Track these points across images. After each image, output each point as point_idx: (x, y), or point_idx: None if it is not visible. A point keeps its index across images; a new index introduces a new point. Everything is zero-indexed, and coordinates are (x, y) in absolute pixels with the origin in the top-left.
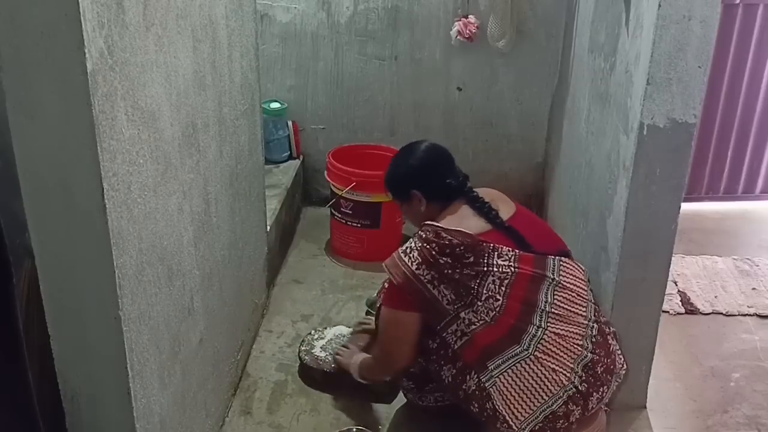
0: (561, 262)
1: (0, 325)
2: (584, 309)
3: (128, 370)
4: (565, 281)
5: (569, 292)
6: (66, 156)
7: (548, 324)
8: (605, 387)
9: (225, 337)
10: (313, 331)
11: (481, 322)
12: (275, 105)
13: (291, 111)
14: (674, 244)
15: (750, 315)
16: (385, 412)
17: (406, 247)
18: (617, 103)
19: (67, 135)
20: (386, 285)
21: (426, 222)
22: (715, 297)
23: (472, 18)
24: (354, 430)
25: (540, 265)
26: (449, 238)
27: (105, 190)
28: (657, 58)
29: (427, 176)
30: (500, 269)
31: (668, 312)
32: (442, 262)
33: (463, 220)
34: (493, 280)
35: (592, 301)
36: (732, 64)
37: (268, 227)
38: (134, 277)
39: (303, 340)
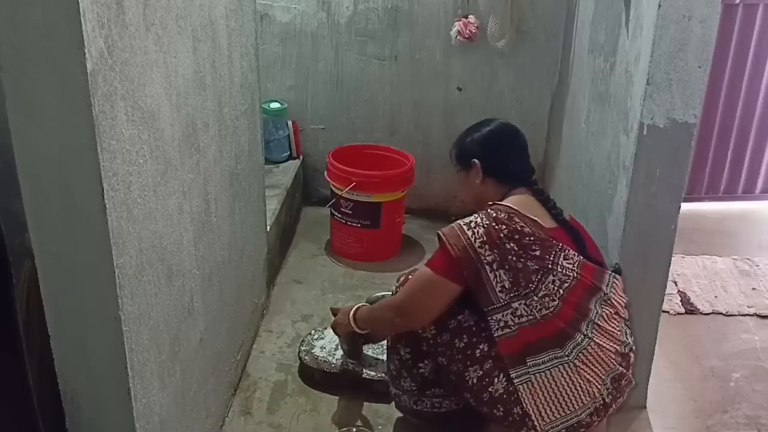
0: (614, 279)
1: (0, 325)
2: (621, 328)
3: (128, 370)
4: (613, 298)
5: (613, 309)
6: (66, 156)
7: (593, 335)
8: (621, 398)
9: (225, 337)
10: (313, 331)
11: (531, 317)
12: (275, 105)
13: (291, 111)
14: (674, 244)
15: (750, 315)
16: (385, 412)
17: (471, 221)
18: (617, 103)
19: (67, 135)
20: (437, 250)
21: (498, 202)
22: (715, 297)
23: (472, 18)
24: (354, 430)
25: (599, 277)
26: (522, 224)
27: (105, 190)
28: (657, 58)
29: (493, 150)
30: (564, 271)
31: (668, 312)
32: (508, 247)
33: (531, 210)
34: (553, 280)
35: (627, 319)
36: (732, 64)
37: (268, 227)
38: (134, 277)
39: (303, 340)
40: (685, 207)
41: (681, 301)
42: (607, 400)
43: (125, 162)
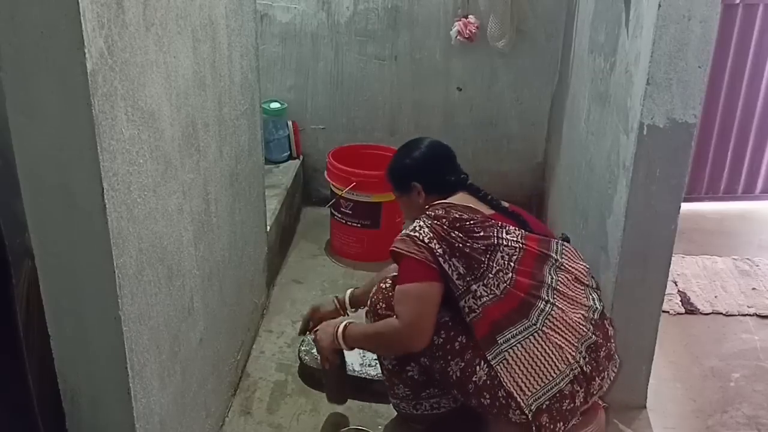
0: (563, 246)
1: (0, 325)
2: (584, 293)
3: (128, 370)
4: (566, 264)
5: (570, 275)
6: (66, 156)
7: (555, 300)
8: (605, 373)
9: (225, 337)
10: (313, 331)
11: (491, 295)
12: (275, 105)
13: (291, 111)
14: (674, 244)
15: (750, 315)
16: (385, 412)
17: (413, 227)
18: (617, 103)
19: (67, 135)
20: (399, 268)
21: (434, 202)
22: (715, 297)
23: (472, 18)
24: (354, 430)
25: (544, 245)
26: (459, 212)
27: (105, 190)
28: (657, 58)
29: (428, 169)
30: (509, 244)
31: (668, 312)
32: (453, 235)
33: (468, 202)
34: (502, 255)
35: (592, 286)
36: (732, 64)
37: (268, 227)
38: (134, 277)
39: (303, 340)
40: (685, 207)
41: (681, 301)
42: (585, 369)
43: (125, 162)
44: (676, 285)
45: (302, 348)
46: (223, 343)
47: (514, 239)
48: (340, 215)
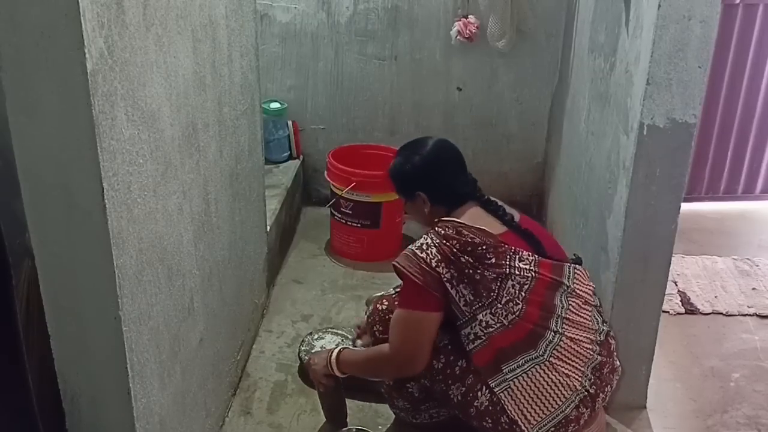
0: (575, 270)
1: (0, 325)
2: (590, 316)
3: (128, 370)
4: (578, 289)
5: (580, 299)
6: (66, 156)
7: (564, 330)
8: (608, 387)
9: (225, 337)
10: (312, 332)
11: (498, 324)
12: (275, 105)
13: (291, 111)
14: (674, 244)
15: (750, 315)
16: (385, 412)
17: (422, 243)
18: (617, 103)
19: (67, 135)
20: (401, 285)
21: (443, 218)
22: (715, 297)
23: (472, 18)
24: (354, 430)
25: (557, 272)
26: (471, 236)
27: (105, 190)
28: (657, 58)
29: (434, 179)
30: (521, 273)
31: (668, 312)
32: (463, 260)
33: (478, 220)
34: (513, 284)
35: (598, 305)
36: (732, 64)
37: (268, 227)
38: (134, 277)
39: (303, 340)
40: (685, 207)
41: (681, 301)
42: (590, 390)
43: (125, 162)
44: (676, 285)
45: (302, 348)
46: (223, 343)
47: (527, 267)
48: (340, 215)
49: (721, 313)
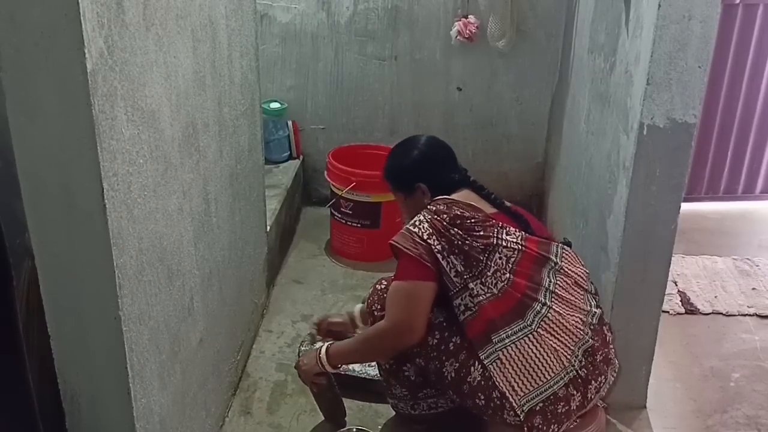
0: (563, 250)
1: (0, 325)
2: (582, 297)
3: (128, 370)
4: (566, 268)
5: (569, 279)
6: (66, 156)
7: (552, 302)
8: (603, 377)
9: (225, 337)
10: (312, 332)
11: (488, 294)
12: (275, 105)
13: (291, 111)
14: (674, 244)
15: (750, 315)
16: (385, 412)
17: (414, 221)
18: (617, 103)
19: (67, 135)
20: (397, 262)
21: (436, 197)
22: (715, 297)
23: (472, 18)
24: (354, 430)
25: (544, 248)
26: (460, 210)
27: (105, 190)
28: (657, 58)
29: (431, 169)
30: (508, 245)
31: (668, 312)
32: (452, 232)
33: (471, 200)
34: (500, 256)
35: (591, 291)
36: (732, 64)
37: (268, 227)
38: (134, 277)
39: (303, 341)
40: (685, 207)
41: (681, 301)
42: (581, 373)
43: (125, 162)
44: (676, 285)
45: (302, 348)
46: (223, 343)
47: (514, 240)
48: (340, 215)
49: (721, 313)
